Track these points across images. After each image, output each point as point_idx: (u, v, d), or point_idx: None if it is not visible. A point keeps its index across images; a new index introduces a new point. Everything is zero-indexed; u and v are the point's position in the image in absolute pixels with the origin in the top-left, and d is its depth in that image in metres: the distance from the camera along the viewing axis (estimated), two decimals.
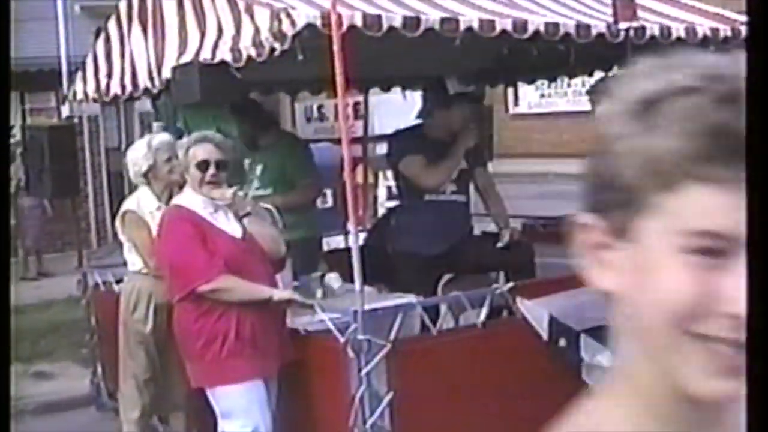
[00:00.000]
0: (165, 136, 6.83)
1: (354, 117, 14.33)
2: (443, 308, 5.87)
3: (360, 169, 11.17)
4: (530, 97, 28.16)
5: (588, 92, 6.33)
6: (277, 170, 7.82)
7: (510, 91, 24.65)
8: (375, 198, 11.44)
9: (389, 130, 8.08)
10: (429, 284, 6.92)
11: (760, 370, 1.71)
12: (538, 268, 7.41)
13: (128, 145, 7.48)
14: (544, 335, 6.02)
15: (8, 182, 6.54)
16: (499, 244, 7.35)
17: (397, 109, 9.49)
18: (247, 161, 7.93)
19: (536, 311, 6.00)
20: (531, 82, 9.95)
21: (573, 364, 6.14)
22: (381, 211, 10.75)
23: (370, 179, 11.40)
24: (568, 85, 23.58)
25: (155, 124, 8.52)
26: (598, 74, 8.68)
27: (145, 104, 9.21)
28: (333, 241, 8.80)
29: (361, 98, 10.87)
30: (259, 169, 7.89)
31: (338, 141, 8.02)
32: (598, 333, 6.07)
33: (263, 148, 7.95)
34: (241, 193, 5.86)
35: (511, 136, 26.81)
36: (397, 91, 9.76)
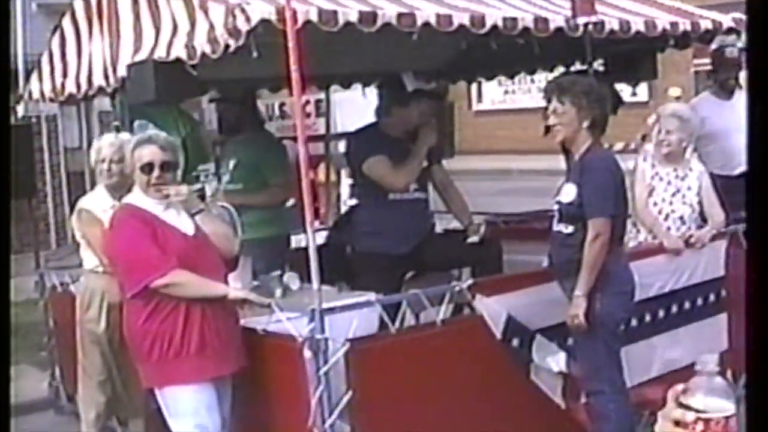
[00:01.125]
0: (107, 138, 6.82)
1: (316, 114, 14.30)
2: (403, 306, 5.80)
3: (322, 167, 11.14)
4: (494, 93, 28.28)
5: (544, 89, 6.29)
6: (251, 167, 7.78)
7: (473, 87, 24.75)
8: (338, 196, 11.40)
9: (352, 128, 8.03)
10: (394, 283, 6.88)
11: (760, 371, 1.69)
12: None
13: (88, 145, 7.44)
14: (498, 334, 5.98)
15: (8, 182, 6.48)
16: (472, 239, 7.31)
17: (359, 106, 9.44)
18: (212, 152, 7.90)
19: (494, 309, 5.96)
20: (491, 78, 9.92)
21: (522, 364, 6.11)
22: (344, 209, 10.70)
23: (333, 177, 11.36)
24: (532, 81, 23.68)
25: (114, 124, 8.44)
26: (559, 70, 8.68)
27: (105, 103, 9.11)
28: (295, 240, 8.74)
29: (323, 95, 10.83)
30: (231, 163, 7.84)
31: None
32: (557, 331, 6.06)
33: (238, 143, 7.90)
34: (208, 188, 5.81)
35: (475, 132, 26.93)
36: (357, 88, 9.71)
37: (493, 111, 28.85)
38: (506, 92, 27.94)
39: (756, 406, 1.75)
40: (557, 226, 5.95)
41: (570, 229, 5.84)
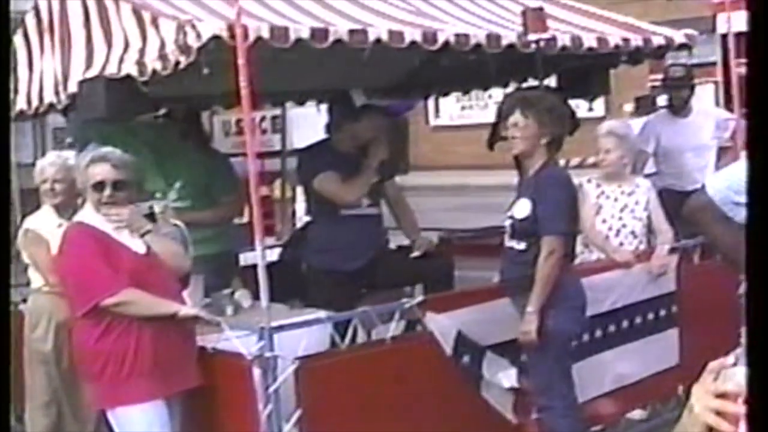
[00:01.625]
0: (49, 157, 6.78)
1: (272, 130, 14.27)
2: (353, 323, 5.78)
3: (278, 183, 11.11)
4: (451, 109, 28.27)
5: (504, 101, 6.31)
6: (200, 185, 7.72)
7: (431, 103, 24.77)
8: (293, 212, 11.36)
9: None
10: (347, 300, 6.85)
11: (759, 369, 1.69)
12: (455, 280, 7.37)
13: None
14: (448, 350, 5.96)
15: (8, 182, 6.42)
16: (415, 254, 7.31)
17: (316, 122, 9.44)
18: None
19: (444, 325, 5.94)
20: (445, 94, 9.95)
21: (473, 380, 6.10)
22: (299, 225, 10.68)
23: (289, 193, 11.33)
24: (489, 97, 23.69)
25: (67, 140, 8.39)
26: (513, 86, 8.71)
27: (59, 119, 9.03)
28: (249, 257, 8.71)
29: (279, 111, 10.83)
30: (178, 181, 7.78)
31: (256, 155, 7.91)
32: (508, 347, 6.06)
33: (185, 160, 7.85)
34: (157, 207, 5.77)
35: (432, 148, 26.99)
36: (312, 104, 9.72)
37: (450, 126, 28.86)
38: (464, 108, 27.94)
39: (756, 405, 1.75)
40: (509, 242, 5.94)
41: (523, 245, 5.84)
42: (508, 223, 5.96)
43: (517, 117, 5.84)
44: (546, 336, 5.69)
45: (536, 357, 5.83)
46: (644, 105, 14.74)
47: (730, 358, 1.83)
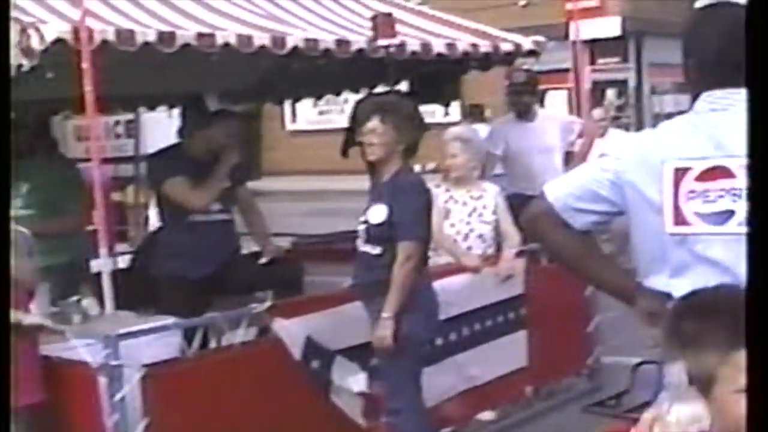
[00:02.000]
0: None
1: (127, 135, 14.13)
2: (201, 330, 5.72)
3: (131, 188, 10.98)
4: (308, 113, 28.27)
5: (360, 106, 6.33)
6: (46, 193, 7.53)
7: (287, 107, 24.75)
8: (146, 218, 11.24)
9: None
10: (196, 306, 6.77)
11: (759, 367, 1.70)
12: (306, 286, 7.35)
13: None
14: (297, 355, 5.94)
15: (8, 182, 6.17)
16: (262, 260, 7.27)
17: (170, 127, 9.37)
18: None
19: (292, 331, 5.92)
20: (297, 99, 9.96)
21: (322, 385, 6.09)
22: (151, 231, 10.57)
23: (142, 199, 11.20)
24: (345, 102, 23.78)
25: None
26: (364, 91, 8.74)
27: None
28: (98, 264, 8.57)
29: (133, 116, 10.73)
30: (24, 188, 7.59)
31: (107, 160, 7.81)
32: (358, 351, 6.07)
33: (32, 167, 7.67)
34: None
35: (289, 153, 26.93)
36: (163, 109, 9.62)
37: (308, 131, 28.85)
38: (321, 112, 27.96)
39: (755, 407, 1.76)
40: (364, 247, 5.91)
41: (378, 250, 5.82)
42: (362, 227, 5.93)
43: (374, 123, 5.81)
44: (400, 341, 5.68)
45: (388, 361, 5.82)
46: (475, 112, 15.02)
47: (664, 405, 1.83)
